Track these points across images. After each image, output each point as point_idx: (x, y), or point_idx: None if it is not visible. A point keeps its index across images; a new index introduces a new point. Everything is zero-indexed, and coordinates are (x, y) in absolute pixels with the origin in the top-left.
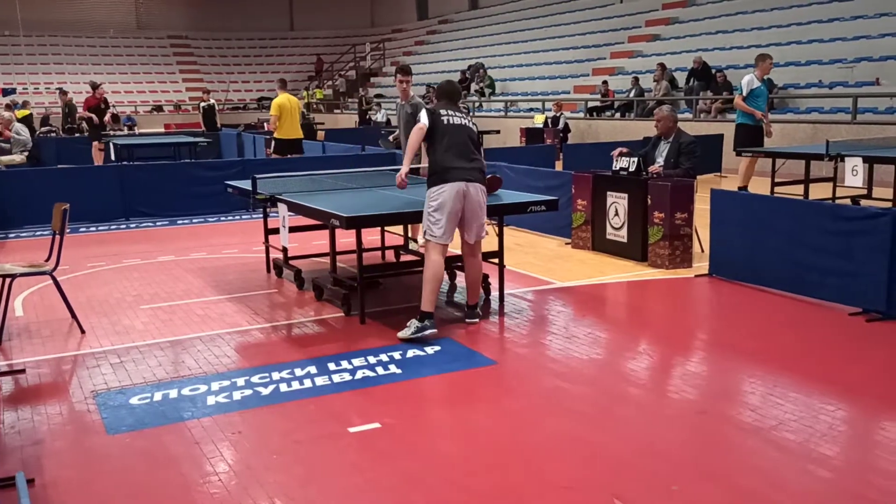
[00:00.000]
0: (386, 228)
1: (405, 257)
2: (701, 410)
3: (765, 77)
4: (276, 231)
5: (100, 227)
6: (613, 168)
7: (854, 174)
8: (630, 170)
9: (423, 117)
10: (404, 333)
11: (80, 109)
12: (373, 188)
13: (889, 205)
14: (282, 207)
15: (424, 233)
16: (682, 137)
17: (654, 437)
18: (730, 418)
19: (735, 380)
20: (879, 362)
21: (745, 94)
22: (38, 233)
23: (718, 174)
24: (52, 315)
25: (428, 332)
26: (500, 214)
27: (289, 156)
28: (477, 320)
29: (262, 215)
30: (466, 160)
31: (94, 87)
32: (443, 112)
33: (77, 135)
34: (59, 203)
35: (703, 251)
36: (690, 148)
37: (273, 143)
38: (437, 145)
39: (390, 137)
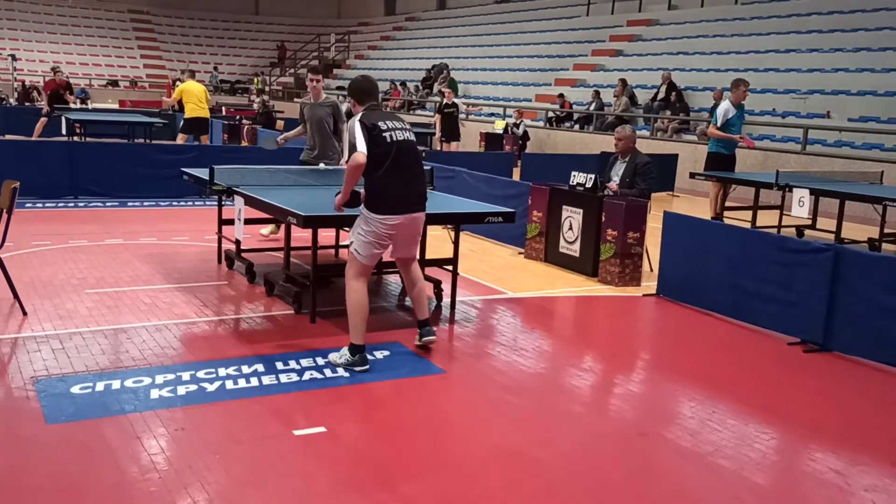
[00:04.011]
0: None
1: None
2: (641, 432)
3: (741, 104)
4: (229, 222)
5: (46, 204)
6: (570, 183)
7: (801, 205)
8: (587, 186)
9: (361, 143)
10: (335, 358)
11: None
12: (331, 186)
13: (831, 236)
14: (238, 200)
15: (351, 243)
16: (639, 158)
17: (593, 457)
18: (668, 442)
19: (675, 403)
20: (814, 393)
21: (719, 123)
22: None
23: (671, 193)
24: None
25: (358, 368)
26: (457, 223)
27: (195, 133)
28: (432, 338)
29: (215, 203)
30: (413, 185)
31: (55, 71)
32: (382, 126)
33: (27, 104)
34: (8, 181)
35: (652, 270)
36: (646, 169)
37: (182, 122)
38: (378, 167)
39: (279, 138)
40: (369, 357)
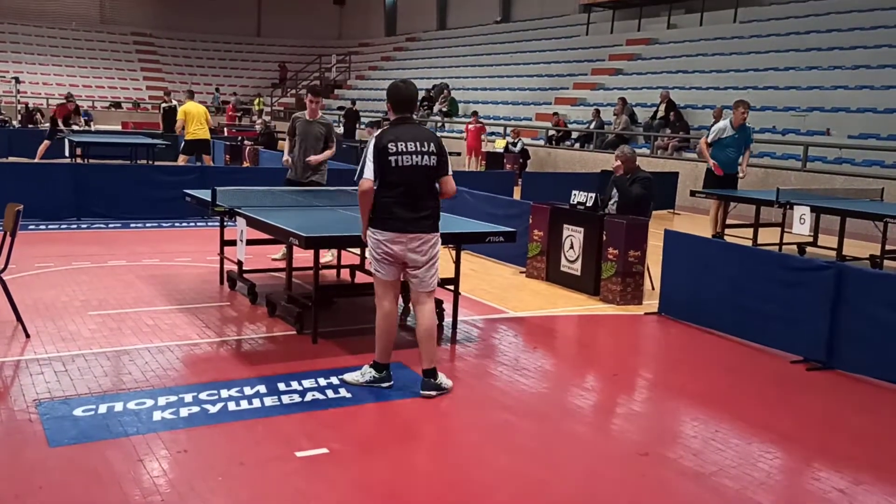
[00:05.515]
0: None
1: (361, 278)
2: (643, 452)
3: (743, 124)
4: (232, 243)
5: (50, 226)
6: (571, 202)
7: (802, 222)
8: (587, 205)
9: (368, 169)
10: (356, 378)
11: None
12: (333, 207)
13: (833, 253)
14: (240, 221)
15: (370, 262)
16: (639, 174)
17: (595, 478)
18: (671, 462)
19: (677, 422)
20: (817, 411)
21: (710, 139)
22: None
23: (672, 211)
24: None
25: (384, 385)
26: (458, 242)
27: (197, 154)
28: (433, 393)
29: (217, 223)
30: (413, 209)
31: (69, 98)
32: (392, 148)
33: (30, 126)
34: (12, 203)
35: (653, 289)
36: (646, 184)
37: (183, 143)
38: (382, 186)
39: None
40: None
